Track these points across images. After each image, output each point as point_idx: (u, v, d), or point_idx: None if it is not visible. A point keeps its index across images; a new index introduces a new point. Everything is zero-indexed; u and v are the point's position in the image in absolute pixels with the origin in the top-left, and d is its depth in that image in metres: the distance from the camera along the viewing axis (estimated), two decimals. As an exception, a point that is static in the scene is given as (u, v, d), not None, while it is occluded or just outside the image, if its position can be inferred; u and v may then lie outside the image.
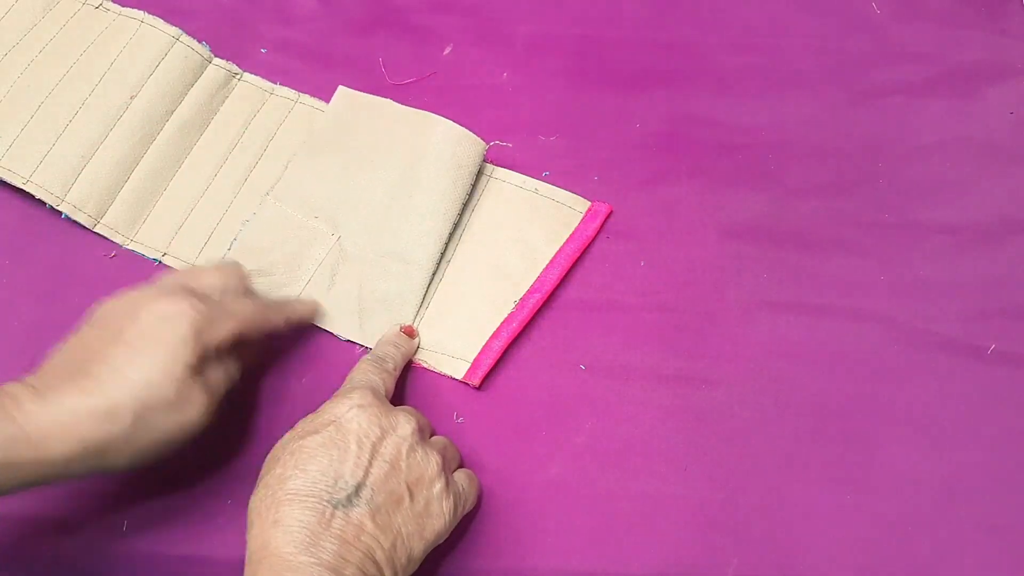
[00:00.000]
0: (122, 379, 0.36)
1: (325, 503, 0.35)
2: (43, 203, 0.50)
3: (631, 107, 0.55)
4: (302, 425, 0.38)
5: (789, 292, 0.49)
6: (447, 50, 0.57)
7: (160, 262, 0.50)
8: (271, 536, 0.34)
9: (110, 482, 0.44)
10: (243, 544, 0.43)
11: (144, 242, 0.50)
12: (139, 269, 0.49)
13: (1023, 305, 0.49)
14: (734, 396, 0.47)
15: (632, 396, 0.47)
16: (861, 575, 0.43)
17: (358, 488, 0.36)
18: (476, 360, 0.47)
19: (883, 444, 0.46)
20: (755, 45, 0.57)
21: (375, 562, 0.35)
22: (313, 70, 0.54)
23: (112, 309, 0.39)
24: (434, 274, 0.49)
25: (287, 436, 0.38)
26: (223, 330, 0.40)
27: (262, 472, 0.37)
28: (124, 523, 0.43)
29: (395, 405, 0.45)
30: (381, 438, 0.38)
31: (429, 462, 0.39)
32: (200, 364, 0.39)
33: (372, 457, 0.37)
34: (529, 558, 0.43)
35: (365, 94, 0.52)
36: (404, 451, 0.38)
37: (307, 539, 0.34)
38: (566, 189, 0.51)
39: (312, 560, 0.34)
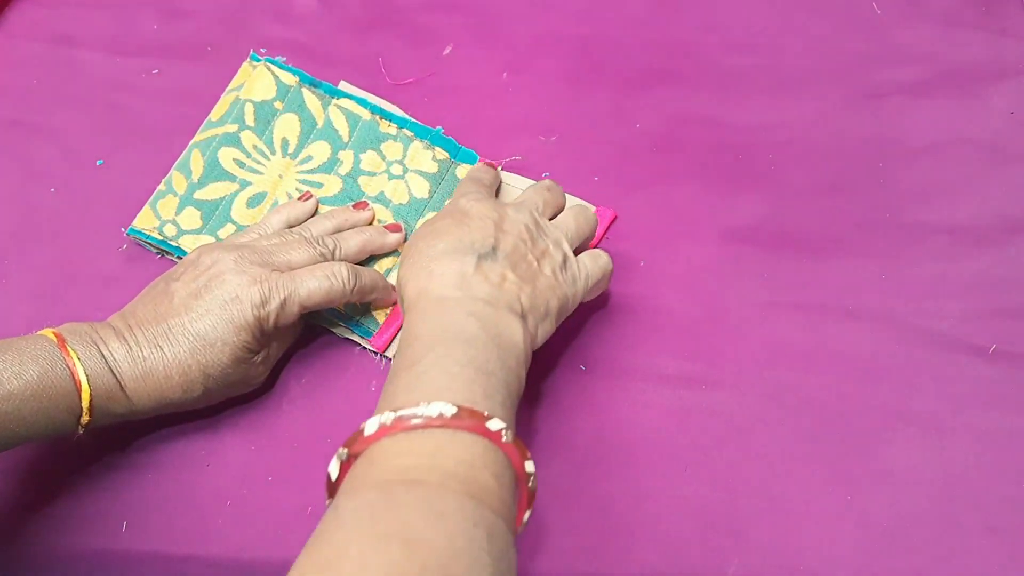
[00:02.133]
0: (196, 356, 0.41)
1: (471, 255, 0.40)
2: (42, 200, 0.50)
3: (631, 107, 0.55)
4: (429, 222, 0.43)
5: (789, 292, 0.49)
6: (447, 50, 0.57)
7: (163, 256, 0.50)
8: (426, 284, 0.39)
9: (110, 481, 0.44)
10: (243, 544, 0.43)
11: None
12: (146, 263, 0.50)
13: (1023, 305, 0.49)
14: (734, 396, 0.47)
15: (632, 396, 0.47)
16: (861, 575, 0.43)
17: (494, 249, 0.40)
18: (476, 360, 0.47)
19: (883, 444, 0.46)
20: (755, 45, 0.57)
21: (520, 303, 0.39)
22: (313, 70, 0.54)
23: (206, 263, 0.43)
24: None
25: (418, 230, 0.43)
26: (288, 313, 0.43)
27: (403, 254, 0.42)
28: (124, 523, 0.43)
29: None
30: (502, 218, 0.42)
31: (546, 239, 0.43)
32: (262, 342, 0.43)
33: (498, 230, 0.41)
34: (529, 558, 0.43)
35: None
36: (523, 229, 0.42)
37: (460, 280, 0.39)
38: (566, 190, 0.51)
39: (467, 295, 0.38)
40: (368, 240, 0.48)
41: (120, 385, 0.40)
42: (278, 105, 0.52)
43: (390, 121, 0.52)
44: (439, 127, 0.52)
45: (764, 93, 0.56)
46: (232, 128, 0.51)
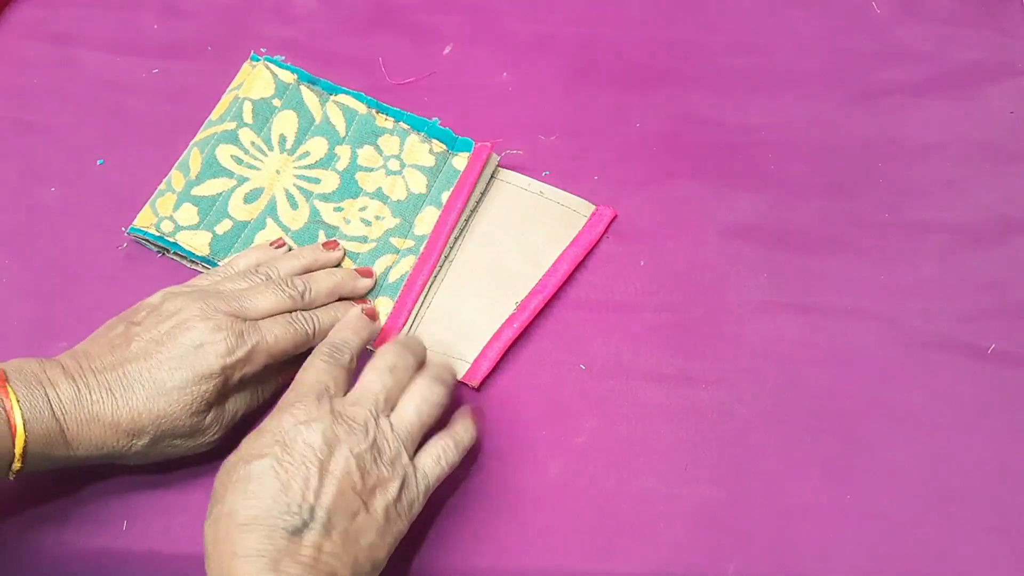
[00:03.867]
0: (148, 404, 0.39)
1: (281, 530, 0.35)
2: (43, 199, 0.50)
3: (631, 107, 0.55)
4: (247, 446, 0.38)
5: (789, 292, 0.49)
6: (447, 50, 0.57)
7: (165, 255, 0.50)
8: (231, 568, 0.34)
9: (110, 482, 0.44)
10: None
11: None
12: (146, 262, 0.50)
13: (1023, 305, 0.49)
14: (734, 396, 0.47)
15: (632, 396, 0.47)
16: (861, 575, 0.43)
17: (312, 511, 0.35)
18: (476, 361, 0.47)
19: (883, 444, 0.46)
20: (755, 45, 0.57)
21: (338, 574, 0.35)
22: (313, 70, 0.54)
23: (170, 309, 0.41)
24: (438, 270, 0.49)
25: (232, 459, 0.37)
26: (255, 363, 0.41)
27: (212, 500, 0.37)
28: (124, 523, 0.43)
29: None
30: (330, 454, 0.37)
31: (380, 465, 0.38)
32: (221, 397, 0.41)
33: (322, 476, 0.36)
34: (529, 558, 0.43)
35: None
36: (354, 465, 0.37)
37: (267, 567, 0.34)
38: (566, 189, 0.51)
39: None
40: (339, 283, 0.46)
41: (61, 429, 0.38)
42: (276, 103, 0.52)
43: (387, 115, 0.52)
44: (436, 118, 0.52)
45: (764, 93, 0.56)
46: (231, 126, 0.51)
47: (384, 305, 0.48)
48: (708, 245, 0.51)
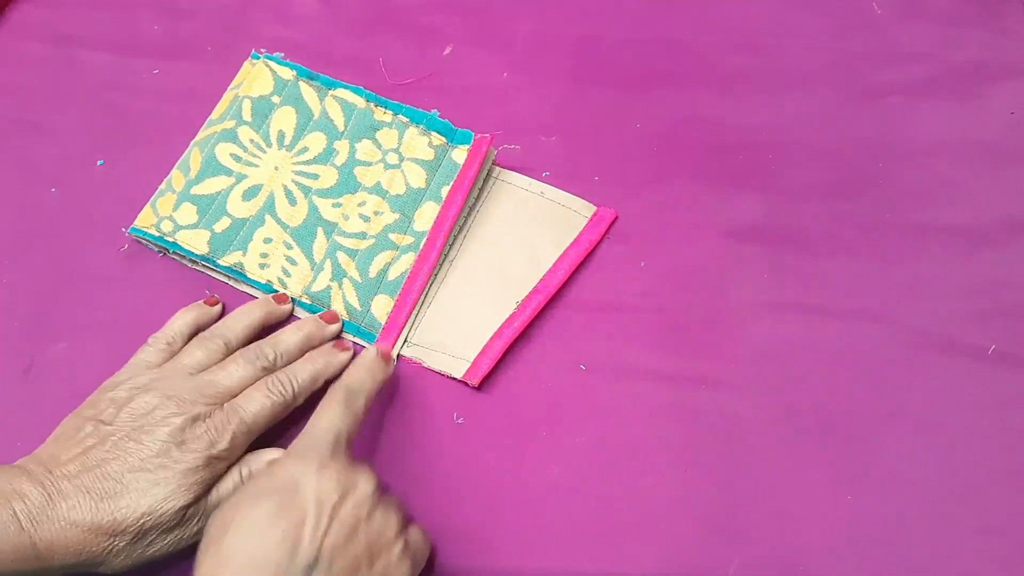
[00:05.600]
0: (133, 504, 0.37)
1: (284, 571, 0.34)
2: (43, 200, 0.49)
3: (631, 107, 0.55)
4: (256, 484, 0.36)
5: (789, 292, 0.49)
6: (447, 50, 0.57)
7: (166, 255, 0.50)
8: None
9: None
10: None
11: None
12: (146, 263, 0.50)
13: (1023, 305, 0.49)
14: (734, 396, 0.47)
15: (632, 396, 0.47)
16: (861, 575, 0.43)
17: (316, 559, 0.34)
18: (476, 360, 0.47)
19: (883, 444, 0.46)
20: (755, 45, 0.57)
21: None
22: (313, 70, 0.54)
23: (142, 407, 0.39)
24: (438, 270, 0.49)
25: (239, 495, 0.36)
26: (240, 445, 0.40)
27: (212, 533, 0.35)
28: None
29: (387, 400, 0.46)
30: (340, 501, 0.36)
31: (388, 523, 0.37)
32: (206, 489, 0.40)
33: (330, 523, 0.35)
34: (530, 558, 0.43)
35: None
36: (364, 514, 0.36)
37: None
38: (566, 189, 0.51)
39: None
40: (308, 337, 0.45)
41: (33, 542, 0.35)
42: (275, 99, 0.52)
43: (385, 108, 0.52)
44: (435, 110, 0.52)
45: (764, 93, 0.56)
46: (230, 124, 0.51)
47: (384, 303, 0.48)
48: (708, 245, 0.51)
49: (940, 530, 0.44)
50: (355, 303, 0.48)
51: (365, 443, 0.45)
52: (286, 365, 0.44)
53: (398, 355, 0.47)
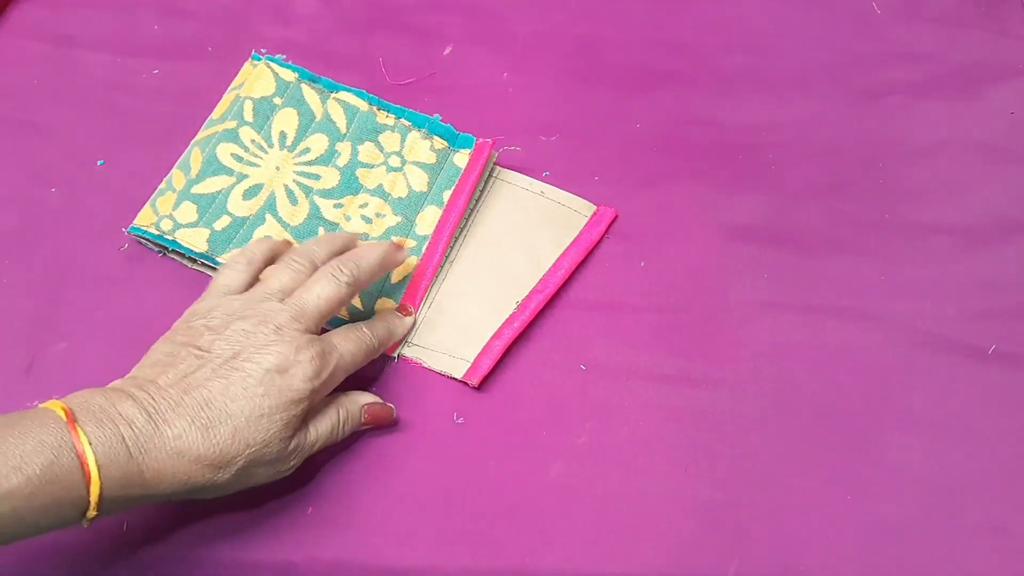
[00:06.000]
0: (237, 435, 0.37)
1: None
2: (43, 200, 0.50)
3: (631, 107, 0.55)
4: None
5: (789, 292, 0.49)
6: (447, 50, 0.57)
7: (165, 255, 0.50)
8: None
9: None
10: (243, 544, 0.43)
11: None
12: (147, 262, 0.50)
13: (1023, 305, 0.49)
14: (734, 396, 0.47)
15: (632, 396, 0.47)
16: (861, 575, 0.43)
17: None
18: (476, 360, 0.47)
19: (883, 444, 0.46)
20: (755, 45, 0.57)
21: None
22: (313, 70, 0.54)
23: (240, 330, 0.39)
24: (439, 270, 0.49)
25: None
26: (334, 382, 0.41)
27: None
28: (124, 523, 0.43)
29: (387, 400, 0.46)
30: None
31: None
32: (303, 422, 0.40)
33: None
34: (530, 558, 0.43)
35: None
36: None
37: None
38: (566, 189, 0.51)
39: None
40: (385, 256, 0.45)
41: (140, 470, 0.35)
42: (277, 101, 0.52)
43: (388, 111, 0.52)
44: (437, 114, 0.52)
45: (764, 93, 0.56)
46: (231, 124, 0.51)
47: (387, 306, 0.48)
48: (708, 245, 0.51)
49: (940, 530, 0.44)
50: (358, 304, 0.48)
51: (365, 443, 0.45)
52: (365, 283, 0.43)
53: (399, 355, 0.47)
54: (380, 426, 0.45)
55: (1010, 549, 0.43)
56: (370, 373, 0.47)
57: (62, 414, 0.34)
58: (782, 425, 0.46)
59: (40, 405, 0.35)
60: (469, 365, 0.47)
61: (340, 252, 0.45)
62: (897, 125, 0.55)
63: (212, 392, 0.37)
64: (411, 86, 0.56)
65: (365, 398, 0.44)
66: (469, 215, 0.51)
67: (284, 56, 0.54)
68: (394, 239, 0.49)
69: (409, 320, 0.47)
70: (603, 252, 0.51)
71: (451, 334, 0.48)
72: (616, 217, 0.51)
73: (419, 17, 0.58)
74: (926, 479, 0.45)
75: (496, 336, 0.47)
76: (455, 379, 0.47)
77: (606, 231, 0.51)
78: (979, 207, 0.52)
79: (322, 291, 0.41)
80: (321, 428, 0.41)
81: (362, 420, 0.43)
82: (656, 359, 0.48)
